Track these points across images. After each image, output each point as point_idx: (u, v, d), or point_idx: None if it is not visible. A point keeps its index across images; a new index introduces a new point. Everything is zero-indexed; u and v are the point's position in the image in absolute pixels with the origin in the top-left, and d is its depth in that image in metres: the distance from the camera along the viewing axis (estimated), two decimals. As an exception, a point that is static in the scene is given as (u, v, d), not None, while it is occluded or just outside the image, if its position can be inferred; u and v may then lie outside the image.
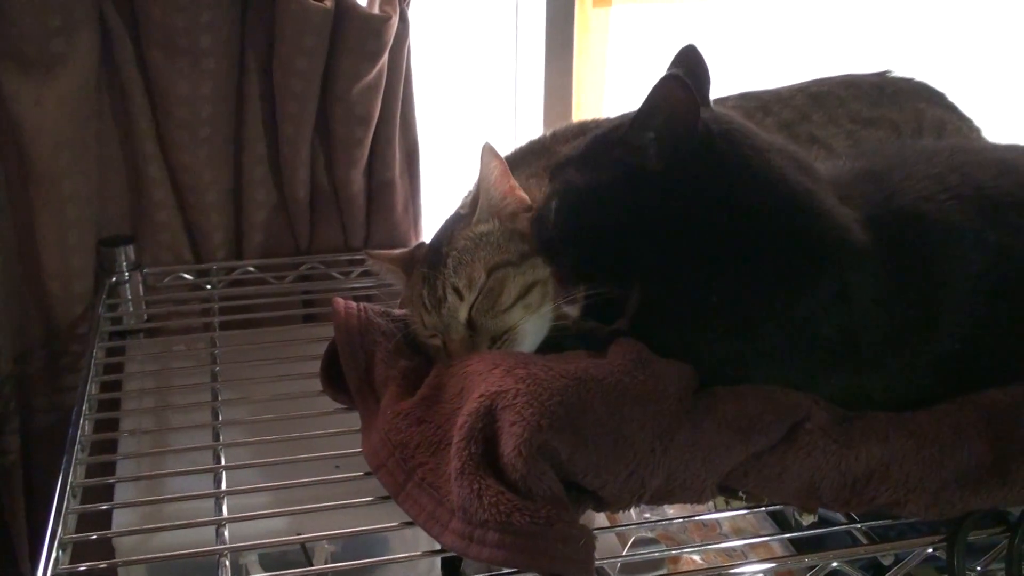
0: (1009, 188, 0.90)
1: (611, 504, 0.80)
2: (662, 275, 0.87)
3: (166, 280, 1.37)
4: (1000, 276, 0.87)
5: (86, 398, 1.04)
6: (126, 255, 1.34)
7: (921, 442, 0.82)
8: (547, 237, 0.92)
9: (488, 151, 0.96)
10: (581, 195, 0.89)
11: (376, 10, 1.26)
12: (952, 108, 1.24)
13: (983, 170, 0.92)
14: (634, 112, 0.87)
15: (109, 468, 1.00)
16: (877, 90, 1.22)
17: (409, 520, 0.81)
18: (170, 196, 1.33)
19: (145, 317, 1.36)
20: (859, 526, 0.87)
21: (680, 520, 0.98)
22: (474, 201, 0.98)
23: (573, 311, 0.94)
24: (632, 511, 1.09)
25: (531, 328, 0.93)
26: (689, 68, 0.91)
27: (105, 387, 1.12)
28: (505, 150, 1.12)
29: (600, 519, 1.07)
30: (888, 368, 0.87)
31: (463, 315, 0.93)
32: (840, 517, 0.89)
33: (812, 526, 0.92)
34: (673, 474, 0.79)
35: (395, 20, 1.27)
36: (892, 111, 1.20)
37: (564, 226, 0.90)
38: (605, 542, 1.08)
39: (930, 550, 0.83)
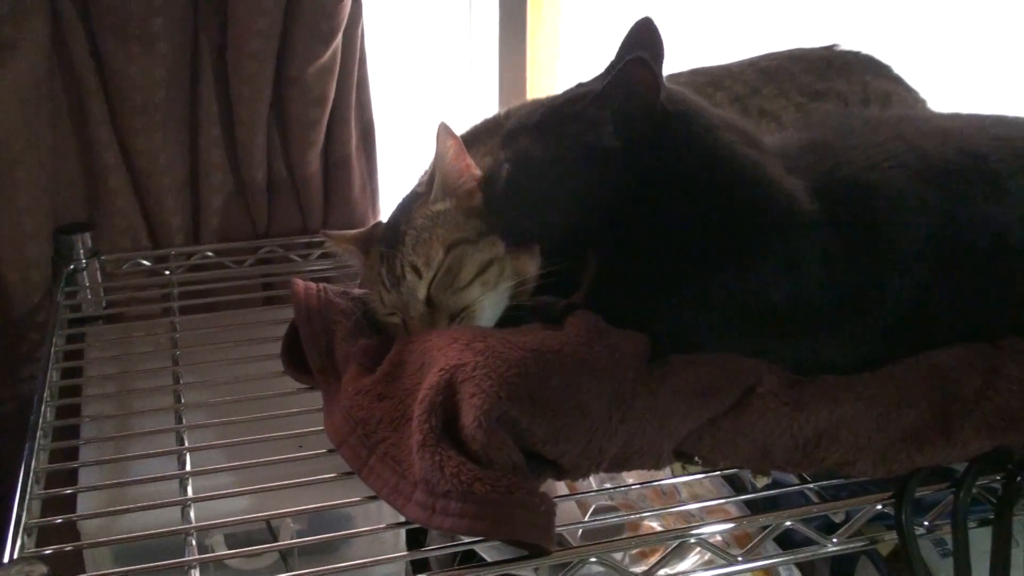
0: (951, 155, 0.92)
1: (571, 472, 0.82)
2: (617, 249, 0.89)
3: (125, 267, 1.36)
4: (943, 242, 0.89)
5: (47, 385, 1.04)
6: (83, 242, 1.33)
7: (868, 403, 0.84)
8: (496, 199, 0.94)
9: (443, 130, 0.96)
10: (533, 164, 0.90)
11: (329, -9, 1.26)
12: (898, 80, 1.26)
13: (926, 138, 0.94)
14: (595, 88, 0.88)
15: (72, 453, 1.00)
16: (825, 63, 1.24)
17: (372, 494, 0.83)
18: (126, 182, 1.33)
19: (104, 304, 1.35)
20: (811, 486, 0.89)
21: (639, 486, 0.99)
22: (430, 180, 0.99)
23: (531, 271, 0.96)
24: (593, 481, 1.12)
25: (489, 304, 0.94)
26: (643, 41, 0.92)
27: (66, 374, 1.12)
28: (460, 129, 1.13)
29: (561, 488, 1.08)
30: (839, 334, 0.89)
31: (422, 293, 0.94)
32: (794, 480, 0.92)
33: (767, 488, 0.94)
34: (630, 441, 0.81)
35: (348, 1, 1.27)
36: (840, 84, 1.22)
37: (514, 192, 0.92)
38: (567, 510, 1.11)
39: (879, 507, 0.85)
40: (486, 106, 1.62)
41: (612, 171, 0.87)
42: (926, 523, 0.86)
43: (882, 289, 0.88)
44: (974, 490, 0.85)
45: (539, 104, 1.10)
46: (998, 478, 0.87)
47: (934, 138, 0.95)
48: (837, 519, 0.89)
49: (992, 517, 0.86)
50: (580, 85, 0.94)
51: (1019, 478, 0.86)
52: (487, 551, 0.89)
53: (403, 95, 1.59)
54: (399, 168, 1.49)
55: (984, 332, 0.91)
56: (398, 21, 1.55)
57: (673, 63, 1.18)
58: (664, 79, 0.93)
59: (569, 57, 1.64)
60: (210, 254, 1.39)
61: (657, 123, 0.86)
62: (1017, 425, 0.85)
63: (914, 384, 0.86)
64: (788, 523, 0.84)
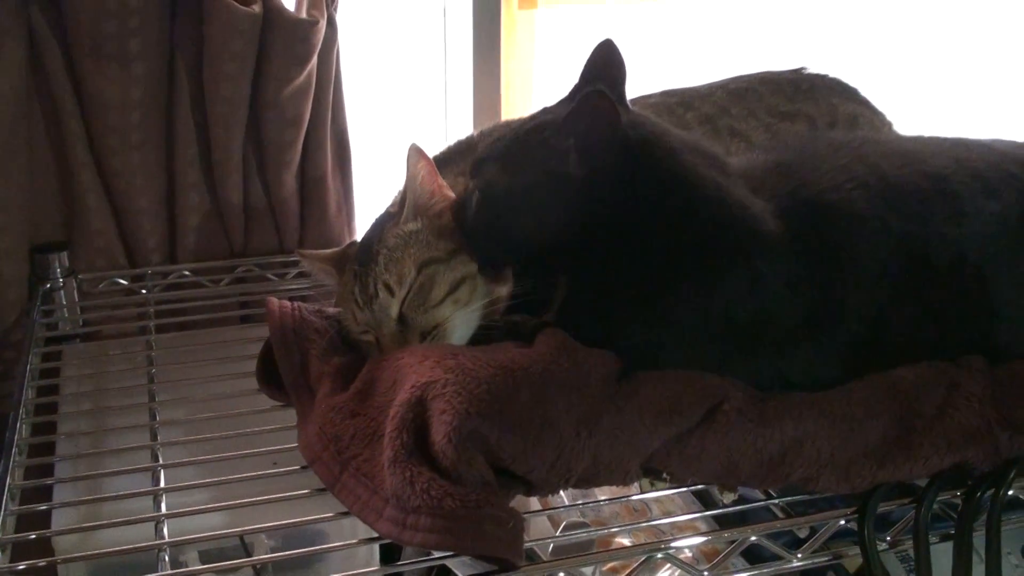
0: (912, 177, 0.94)
1: (540, 488, 0.83)
2: (585, 271, 0.91)
3: (101, 286, 1.37)
4: (904, 261, 0.91)
5: (23, 403, 1.05)
6: (60, 261, 1.34)
7: (832, 420, 0.86)
8: (467, 227, 0.96)
9: (414, 151, 0.98)
10: (502, 193, 0.92)
11: (304, 14, 1.28)
12: (865, 103, 1.29)
13: (888, 160, 0.96)
14: (558, 115, 0.90)
15: (47, 470, 1.01)
16: (793, 86, 1.26)
17: (345, 510, 0.83)
18: (103, 202, 1.33)
19: (81, 323, 1.36)
20: (776, 502, 0.90)
21: (610, 502, 1.01)
22: (403, 200, 1.01)
23: (503, 290, 0.97)
24: (565, 497, 1.13)
25: (460, 322, 0.95)
26: (605, 64, 0.94)
27: (42, 391, 1.12)
28: (436, 149, 1.14)
29: (534, 504, 1.10)
30: (802, 352, 0.90)
31: (394, 311, 0.95)
32: (761, 495, 0.93)
33: (734, 504, 0.95)
34: (598, 457, 0.82)
35: (323, 24, 1.29)
36: (808, 106, 1.24)
37: (485, 220, 0.93)
38: (539, 526, 1.12)
39: (842, 522, 0.87)
40: (462, 126, 1.64)
41: (577, 198, 0.88)
42: (888, 538, 0.88)
43: (844, 308, 0.90)
44: (935, 506, 0.87)
45: (508, 129, 1.13)
46: (959, 494, 0.89)
47: (895, 160, 0.97)
48: (802, 534, 0.90)
49: (953, 533, 0.88)
50: (545, 111, 0.95)
51: (979, 494, 0.88)
52: (458, 566, 0.89)
53: (379, 115, 1.60)
54: (375, 188, 1.50)
55: (945, 350, 0.93)
56: (374, 43, 1.56)
57: (644, 84, 1.20)
58: (628, 103, 0.95)
59: (543, 78, 1.66)
60: (187, 273, 1.40)
61: (619, 151, 0.88)
62: (976, 441, 0.87)
63: (876, 401, 0.88)
64: (753, 538, 0.85)
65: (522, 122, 0.96)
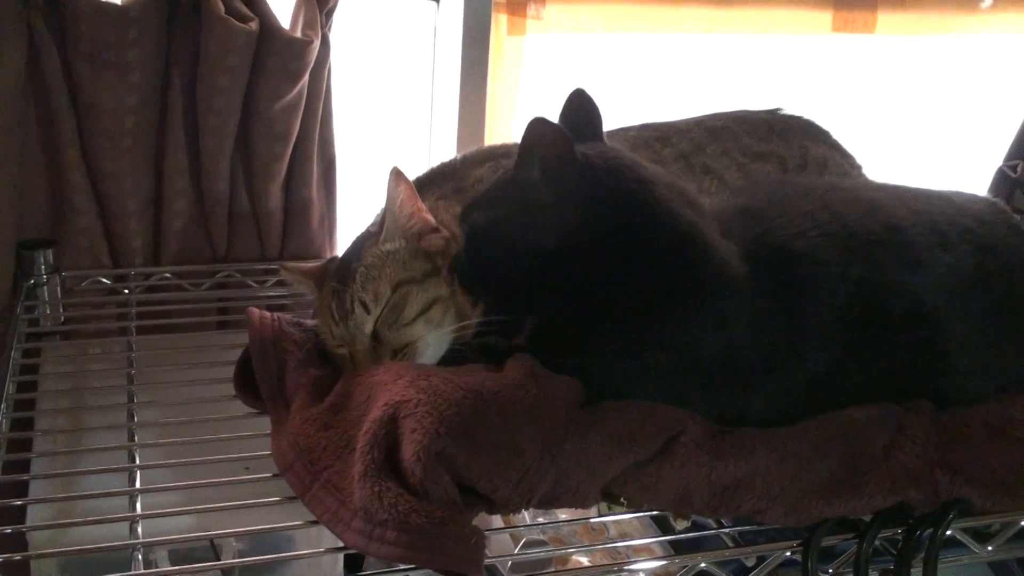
0: (873, 227, 0.99)
1: (502, 507, 0.86)
2: (557, 298, 0.94)
3: (84, 284, 1.39)
4: (861, 307, 0.95)
5: (3, 397, 1.07)
6: (45, 258, 1.35)
7: (783, 456, 0.90)
8: (461, 275, 1.00)
9: (395, 174, 1.01)
10: (483, 234, 0.96)
11: (299, 33, 1.31)
12: (836, 146, 1.33)
13: (852, 208, 1.01)
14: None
15: (23, 466, 1.03)
16: (767, 126, 1.30)
17: (314, 519, 0.86)
18: (91, 202, 1.35)
19: (62, 320, 1.38)
20: (728, 531, 0.94)
21: (570, 522, 1.04)
22: (383, 220, 1.04)
23: (475, 313, 1.01)
24: (526, 515, 1.16)
25: (432, 342, 0.99)
26: (580, 109, 0.99)
27: (21, 387, 1.14)
28: (418, 171, 1.18)
29: (496, 521, 1.13)
30: (762, 390, 0.94)
31: (368, 328, 0.99)
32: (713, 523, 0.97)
33: (688, 531, 0.99)
34: (560, 481, 0.86)
35: (317, 43, 1.32)
36: (780, 147, 1.28)
37: (471, 265, 0.97)
38: (500, 543, 1.15)
39: (788, 553, 0.90)
40: (446, 148, 1.66)
41: (549, 226, 0.92)
42: (831, 570, 0.92)
43: (803, 350, 0.94)
44: (877, 542, 0.91)
45: (493, 153, 1.16)
46: (900, 531, 0.93)
47: (858, 208, 1.01)
48: (750, 563, 0.94)
49: (892, 568, 0.92)
50: None
51: (919, 532, 0.92)
52: (421, 579, 0.93)
53: (365, 133, 1.63)
54: (358, 204, 1.53)
55: (896, 393, 0.97)
56: (364, 63, 1.60)
57: (627, 115, 1.24)
58: (604, 138, 0.99)
59: (528, 102, 1.69)
60: (168, 275, 1.42)
61: (583, 176, 0.91)
62: (918, 483, 0.91)
63: (827, 439, 0.92)
64: (703, 564, 0.89)
65: (508, 153, 0.99)
